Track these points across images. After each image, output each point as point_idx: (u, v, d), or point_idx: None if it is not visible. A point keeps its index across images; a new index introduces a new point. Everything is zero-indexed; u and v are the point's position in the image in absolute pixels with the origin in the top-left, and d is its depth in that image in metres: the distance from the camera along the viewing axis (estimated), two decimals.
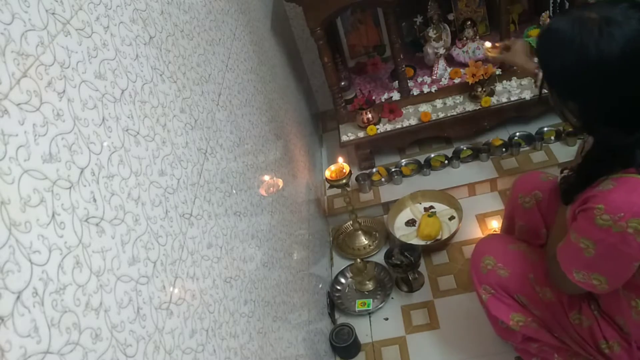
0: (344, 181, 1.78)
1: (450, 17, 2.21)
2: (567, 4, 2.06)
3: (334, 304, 1.77)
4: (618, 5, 0.81)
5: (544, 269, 1.17)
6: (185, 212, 0.77)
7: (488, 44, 1.68)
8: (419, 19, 2.23)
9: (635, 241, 0.85)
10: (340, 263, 1.95)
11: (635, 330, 1.06)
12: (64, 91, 0.54)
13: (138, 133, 0.68)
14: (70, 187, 0.51)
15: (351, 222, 2.00)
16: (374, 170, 2.22)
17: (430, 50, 2.18)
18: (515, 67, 1.61)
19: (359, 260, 1.77)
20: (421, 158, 2.21)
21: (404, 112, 2.18)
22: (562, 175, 1.12)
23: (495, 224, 1.90)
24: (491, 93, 2.08)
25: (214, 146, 0.98)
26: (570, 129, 1.97)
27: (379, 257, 1.88)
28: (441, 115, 2.11)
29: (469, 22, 2.16)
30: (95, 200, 0.55)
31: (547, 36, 0.90)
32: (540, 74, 1.05)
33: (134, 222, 0.62)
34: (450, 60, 2.24)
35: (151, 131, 0.72)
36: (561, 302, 1.15)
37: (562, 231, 1.09)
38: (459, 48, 2.19)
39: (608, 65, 0.80)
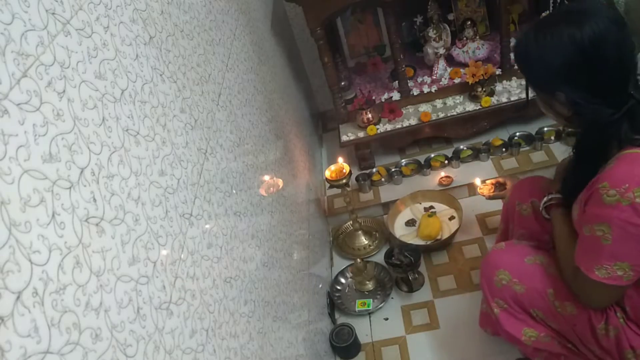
0: (344, 181, 1.78)
1: (450, 17, 2.21)
2: (566, 4, 2.06)
3: (334, 304, 1.77)
4: (592, 1, 0.95)
5: (561, 282, 1.14)
6: (185, 212, 0.77)
7: (478, 182, 1.63)
8: (419, 19, 2.23)
9: (638, 214, 0.86)
10: (340, 263, 1.95)
11: None
12: (64, 91, 0.54)
13: (138, 133, 0.68)
14: (70, 187, 0.51)
15: (351, 222, 2.00)
16: (374, 170, 2.22)
17: (430, 50, 2.18)
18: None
19: (359, 260, 1.77)
20: (421, 158, 2.21)
21: (404, 112, 2.18)
22: (549, 197, 1.19)
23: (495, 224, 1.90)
24: (491, 93, 2.08)
25: (214, 146, 0.98)
26: (569, 129, 1.97)
27: (379, 257, 1.88)
28: (441, 115, 2.11)
29: (469, 22, 2.16)
30: (95, 200, 0.55)
31: (525, 42, 0.99)
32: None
33: (134, 222, 0.62)
34: (450, 60, 2.24)
35: (151, 131, 0.72)
36: (588, 315, 1.11)
37: (567, 242, 1.09)
38: (459, 48, 2.19)
39: (583, 51, 0.89)
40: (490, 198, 1.58)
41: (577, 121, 1.01)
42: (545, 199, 1.22)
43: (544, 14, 2.09)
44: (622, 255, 0.93)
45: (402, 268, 1.72)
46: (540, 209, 1.24)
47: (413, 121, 2.13)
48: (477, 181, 1.64)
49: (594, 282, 0.99)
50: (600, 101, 0.92)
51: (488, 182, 1.61)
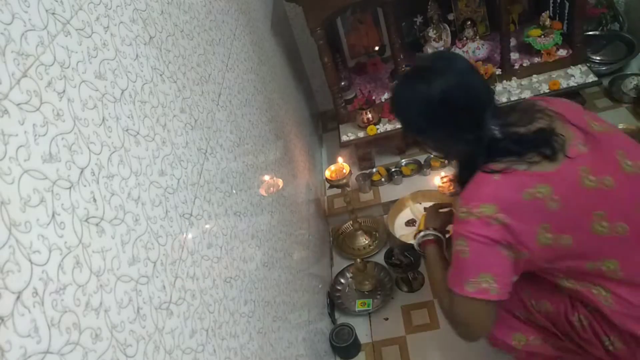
0: (344, 181, 1.78)
1: (450, 17, 2.21)
2: (567, 4, 2.06)
3: (334, 304, 1.77)
4: (440, 57, 1.11)
5: (535, 282, 1.16)
6: (185, 212, 0.77)
7: (438, 181, 1.62)
8: (419, 19, 2.23)
9: (489, 224, 0.95)
10: (340, 263, 1.95)
11: (614, 316, 1.05)
12: (64, 91, 0.54)
13: (138, 133, 0.68)
14: (70, 187, 0.51)
15: (351, 222, 2.00)
16: (374, 170, 2.22)
17: (430, 50, 2.18)
18: None
19: (359, 260, 1.77)
20: (421, 158, 2.21)
21: None
22: (425, 233, 1.31)
23: None
24: None
25: (214, 146, 0.98)
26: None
27: (379, 257, 1.88)
28: None
29: (469, 22, 2.16)
30: (95, 200, 0.55)
31: (393, 100, 1.13)
32: None
33: (134, 222, 0.62)
34: None
35: (151, 131, 0.72)
36: (564, 308, 1.12)
37: (441, 275, 1.15)
38: (459, 48, 2.19)
39: (432, 105, 1.02)
40: (452, 194, 1.60)
41: (451, 156, 1.18)
42: (420, 234, 1.30)
43: (544, 14, 2.10)
44: (482, 267, 0.98)
45: (402, 268, 1.72)
46: (415, 244, 1.31)
47: None
48: (437, 180, 1.64)
49: (466, 300, 1.00)
50: (460, 141, 1.04)
51: (445, 178, 1.64)
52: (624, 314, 1.03)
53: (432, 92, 1.01)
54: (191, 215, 0.79)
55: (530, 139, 1.00)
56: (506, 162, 0.98)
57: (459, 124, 1.03)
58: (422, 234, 1.29)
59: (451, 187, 1.62)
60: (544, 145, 0.98)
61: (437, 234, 1.28)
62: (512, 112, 1.07)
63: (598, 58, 2.32)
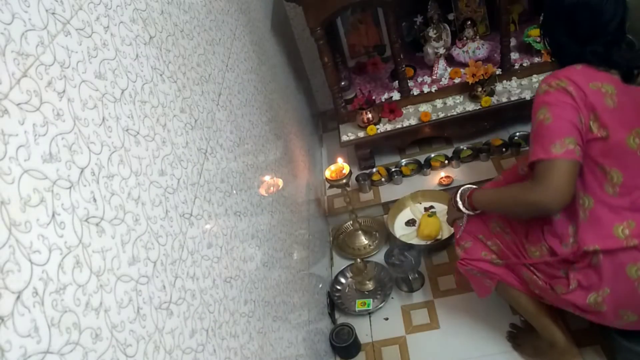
0: (344, 181, 1.78)
1: (450, 17, 2.21)
2: None
3: (334, 304, 1.77)
4: None
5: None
6: (185, 212, 0.77)
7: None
8: (419, 19, 2.23)
9: (565, 93, 1.07)
10: (340, 263, 1.95)
11: (585, 234, 1.13)
12: (64, 91, 0.54)
13: (138, 133, 0.68)
14: (70, 187, 0.51)
15: (351, 222, 2.00)
16: (374, 170, 2.22)
17: (430, 50, 2.18)
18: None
19: (359, 260, 1.77)
20: (421, 158, 2.21)
21: (404, 112, 2.18)
22: (463, 189, 1.38)
23: None
24: (491, 93, 2.08)
25: (214, 146, 0.98)
26: None
27: (379, 257, 1.88)
28: (441, 115, 2.11)
29: (469, 22, 2.16)
30: (95, 200, 0.55)
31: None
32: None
33: (134, 222, 0.62)
34: (450, 60, 2.24)
35: (151, 131, 0.72)
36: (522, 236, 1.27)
37: (502, 189, 1.26)
38: (459, 48, 2.19)
39: (562, 10, 1.14)
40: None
41: (557, 58, 1.24)
42: (460, 191, 1.37)
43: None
44: (565, 130, 1.06)
45: (402, 268, 1.72)
46: (462, 204, 1.36)
47: (413, 121, 2.13)
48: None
49: (553, 163, 1.06)
50: (569, 46, 1.16)
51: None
52: (587, 232, 1.13)
53: (565, 1, 1.13)
54: (191, 215, 0.79)
55: (625, 58, 1.14)
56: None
57: (571, 35, 1.15)
58: (461, 189, 1.36)
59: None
60: (629, 67, 1.14)
61: (470, 185, 1.37)
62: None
63: None
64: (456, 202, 1.36)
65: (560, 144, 1.05)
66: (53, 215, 0.47)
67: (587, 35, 1.13)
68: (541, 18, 1.27)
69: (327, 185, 1.97)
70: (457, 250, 1.43)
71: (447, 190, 2.03)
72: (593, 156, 1.10)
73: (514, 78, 2.12)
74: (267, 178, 1.33)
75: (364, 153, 2.25)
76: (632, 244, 1.08)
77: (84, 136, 0.55)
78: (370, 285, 1.80)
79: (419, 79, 2.24)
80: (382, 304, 1.73)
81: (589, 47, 1.12)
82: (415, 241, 1.89)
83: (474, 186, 1.36)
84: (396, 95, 2.19)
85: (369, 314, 1.73)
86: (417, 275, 1.75)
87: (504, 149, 2.12)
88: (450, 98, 2.16)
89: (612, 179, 1.10)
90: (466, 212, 1.35)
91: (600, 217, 1.12)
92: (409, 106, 2.20)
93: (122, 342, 0.53)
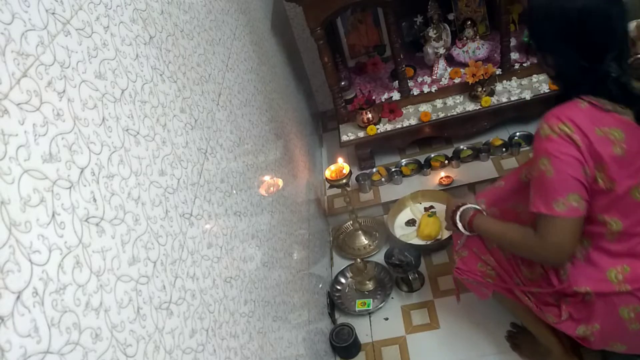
0: (344, 181, 1.78)
1: (451, 17, 2.21)
2: None
3: (334, 304, 1.77)
4: None
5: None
6: (185, 212, 0.77)
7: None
8: (419, 19, 2.23)
9: (569, 142, 0.99)
10: (340, 263, 1.95)
11: (577, 275, 1.13)
12: (64, 91, 0.54)
13: (138, 133, 0.68)
14: (70, 187, 0.51)
15: (351, 222, 2.00)
16: (374, 170, 2.22)
17: (430, 50, 2.18)
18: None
19: (359, 260, 1.77)
20: (421, 158, 2.21)
21: (404, 112, 2.18)
22: (465, 207, 1.34)
23: None
24: (491, 93, 2.08)
25: (214, 146, 0.98)
26: None
27: (379, 257, 1.88)
28: (441, 115, 2.11)
29: (469, 22, 2.16)
30: (95, 200, 0.55)
31: (530, 12, 1.17)
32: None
33: (134, 222, 0.62)
34: (450, 60, 2.24)
35: (151, 131, 0.72)
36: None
37: (505, 226, 1.21)
38: (459, 48, 2.19)
39: (565, 18, 1.02)
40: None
41: (558, 81, 1.16)
42: (461, 210, 1.31)
43: None
44: (568, 185, 1.01)
45: (402, 268, 1.72)
46: (460, 227, 1.32)
47: (413, 121, 2.13)
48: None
49: (555, 221, 1.03)
50: (574, 66, 1.05)
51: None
52: (581, 273, 1.12)
53: (574, 6, 1.01)
54: (191, 215, 0.79)
55: (636, 96, 1.04)
56: (600, 100, 1.02)
57: (582, 50, 1.03)
58: (462, 208, 1.31)
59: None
60: None
61: (473, 205, 1.31)
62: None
63: None
64: (455, 222, 1.33)
65: (564, 201, 1.01)
66: (53, 215, 0.47)
67: (598, 47, 1.02)
68: (535, 42, 1.17)
69: (327, 185, 1.97)
70: (454, 257, 1.43)
71: (447, 190, 2.03)
72: (595, 208, 1.06)
73: (514, 78, 2.12)
74: (267, 178, 1.33)
75: (364, 153, 2.25)
76: (624, 289, 1.07)
77: (84, 136, 0.55)
78: (370, 285, 1.80)
79: (419, 79, 2.24)
80: (382, 304, 1.73)
81: (601, 66, 1.02)
82: (415, 241, 1.89)
83: (476, 206, 1.31)
84: (396, 95, 2.19)
85: (369, 314, 1.73)
86: (417, 275, 1.75)
87: (504, 149, 2.12)
88: (450, 98, 2.16)
89: (612, 227, 1.07)
90: (465, 232, 1.32)
91: (597, 260, 1.11)
92: (409, 106, 2.20)
93: (122, 342, 0.53)
